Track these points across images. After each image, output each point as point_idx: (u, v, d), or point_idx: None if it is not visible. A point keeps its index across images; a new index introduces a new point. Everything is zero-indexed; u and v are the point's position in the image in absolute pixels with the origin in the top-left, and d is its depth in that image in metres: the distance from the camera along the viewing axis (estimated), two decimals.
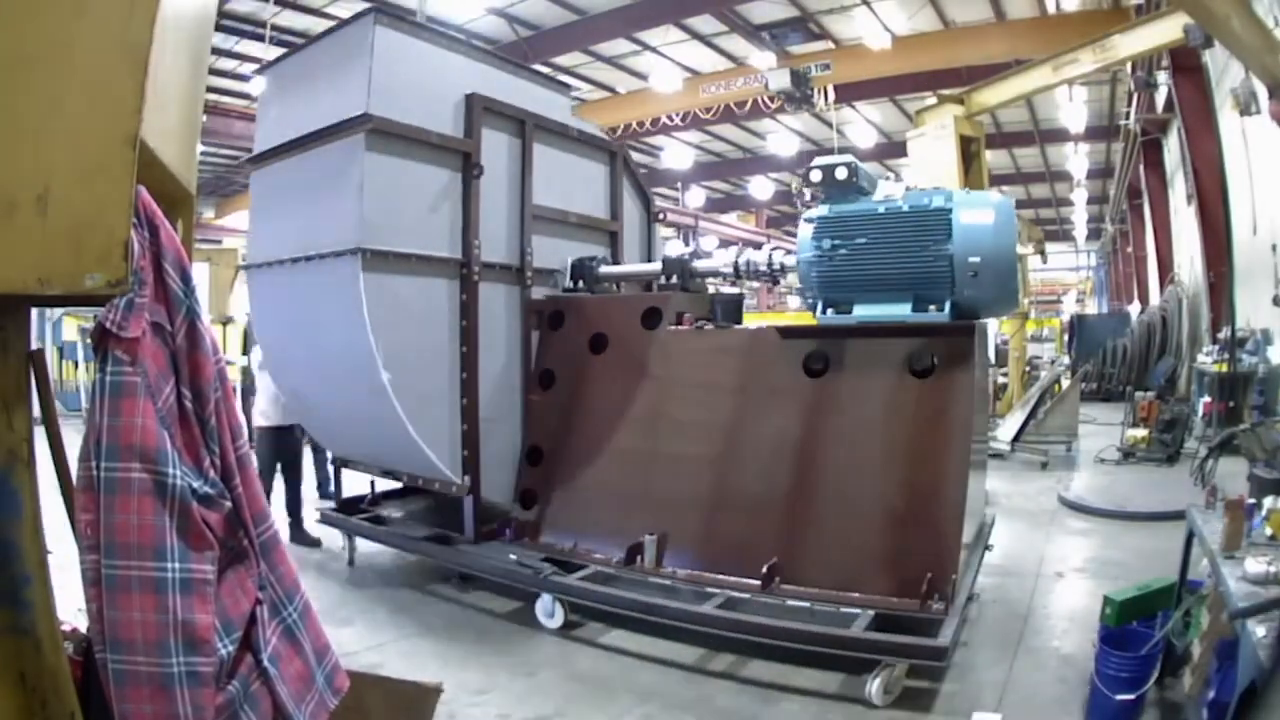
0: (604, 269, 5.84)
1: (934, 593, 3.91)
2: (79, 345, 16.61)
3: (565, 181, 5.88)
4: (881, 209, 4.40)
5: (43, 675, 1.49)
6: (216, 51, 13.76)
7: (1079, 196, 25.85)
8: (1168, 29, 9.69)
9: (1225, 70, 10.28)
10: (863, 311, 4.46)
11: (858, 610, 3.99)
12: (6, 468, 1.48)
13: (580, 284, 5.81)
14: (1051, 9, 13.48)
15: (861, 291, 4.45)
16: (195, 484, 1.55)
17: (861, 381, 4.55)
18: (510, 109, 5.39)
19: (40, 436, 1.61)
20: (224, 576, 1.60)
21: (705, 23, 14.54)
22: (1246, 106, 8.39)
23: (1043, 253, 15.48)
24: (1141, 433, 10.16)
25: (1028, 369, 13.90)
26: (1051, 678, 3.96)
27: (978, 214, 4.21)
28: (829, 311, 4.53)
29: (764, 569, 4.28)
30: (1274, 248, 9.48)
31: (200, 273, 12.08)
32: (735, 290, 5.19)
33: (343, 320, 4.72)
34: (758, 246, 5.80)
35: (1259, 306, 9.96)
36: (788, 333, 4.82)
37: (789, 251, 5.14)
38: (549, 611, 4.70)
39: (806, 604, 4.14)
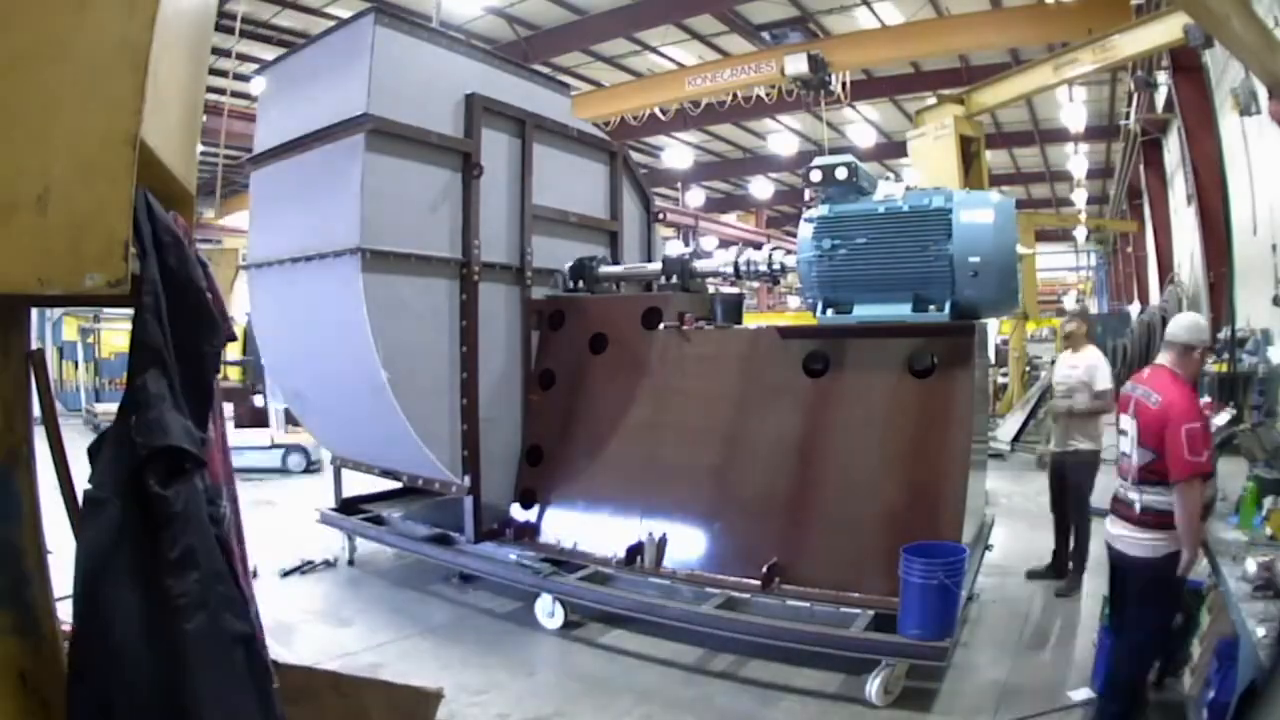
0: (604, 269, 5.84)
1: None
2: (79, 345, 16.63)
3: (565, 181, 5.88)
4: (881, 209, 4.40)
5: (43, 675, 1.49)
6: (216, 51, 13.75)
7: (1079, 196, 25.81)
8: (1168, 29, 9.69)
9: (1225, 70, 10.26)
10: (863, 311, 4.46)
11: (857, 610, 3.99)
12: (6, 468, 1.48)
13: (580, 284, 5.81)
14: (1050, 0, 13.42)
15: (861, 291, 4.45)
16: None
17: (861, 381, 4.55)
18: (510, 109, 5.39)
19: (40, 436, 1.61)
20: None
21: (705, 23, 14.52)
22: (1246, 106, 8.37)
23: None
24: None
25: (1028, 369, 13.88)
26: (1052, 677, 3.96)
27: (978, 214, 4.21)
28: (829, 311, 4.53)
29: (764, 569, 4.28)
30: (1274, 248, 9.47)
31: None
32: (736, 290, 5.19)
33: (343, 320, 4.72)
34: (758, 246, 5.80)
35: (1259, 306, 9.94)
36: (788, 333, 4.82)
37: (789, 251, 5.14)
38: (549, 611, 4.70)
39: (806, 604, 4.14)
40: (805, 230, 4.58)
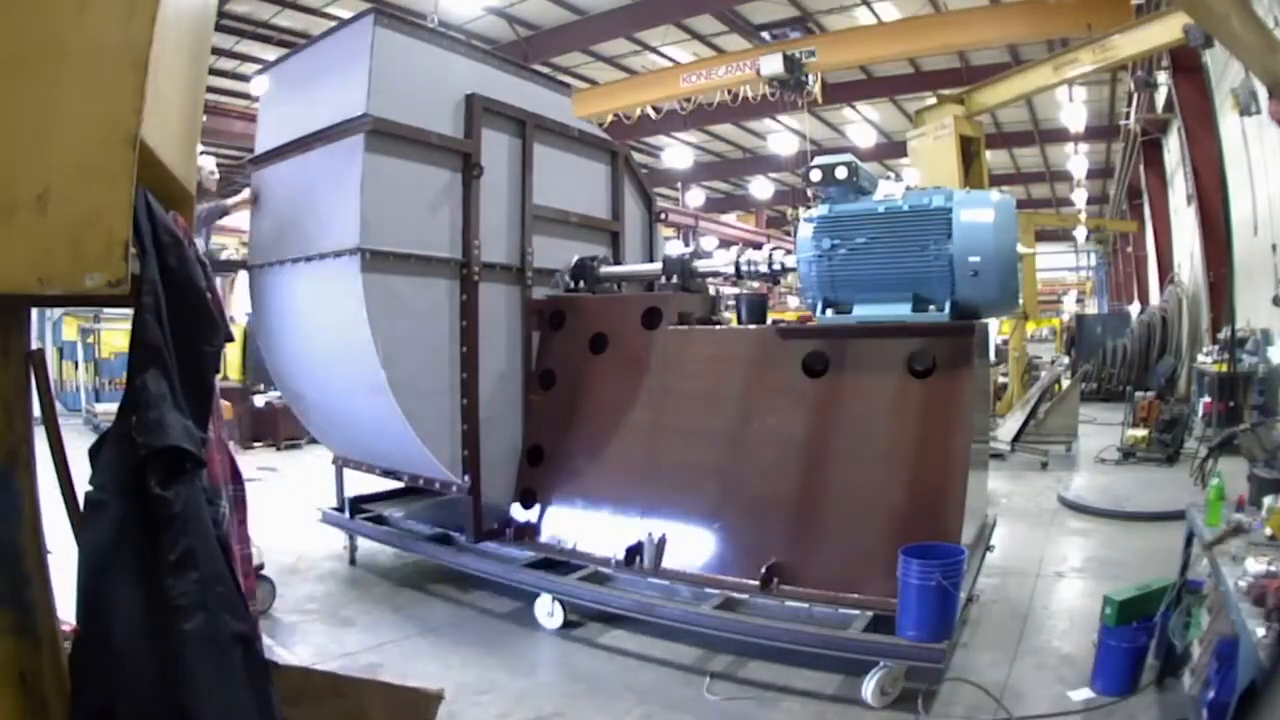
0: (605, 269, 5.84)
1: None
2: (79, 345, 16.62)
3: (566, 181, 5.88)
4: (881, 208, 4.39)
5: (43, 675, 1.50)
6: (216, 51, 13.75)
7: (1079, 196, 25.82)
8: (1168, 29, 9.69)
9: (1225, 70, 10.28)
10: (862, 311, 4.46)
11: (856, 611, 3.99)
12: (6, 468, 1.48)
13: (581, 284, 5.81)
14: None
15: (861, 291, 4.44)
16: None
17: (861, 381, 4.54)
18: (510, 109, 5.39)
19: (40, 436, 1.61)
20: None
21: (705, 23, 14.53)
22: (1246, 106, 8.39)
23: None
24: (1141, 433, 10.15)
25: (1028, 370, 13.89)
26: (1052, 678, 3.95)
27: (978, 213, 4.20)
28: (829, 311, 4.53)
29: (763, 569, 4.28)
30: (1274, 248, 9.48)
31: None
32: (760, 291, 5.18)
33: (343, 320, 4.73)
34: (758, 246, 5.80)
35: (1259, 306, 9.96)
36: (788, 333, 4.82)
37: (788, 251, 5.14)
38: (549, 611, 4.70)
39: (805, 605, 4.13)
40: (805, 230, 4.57)
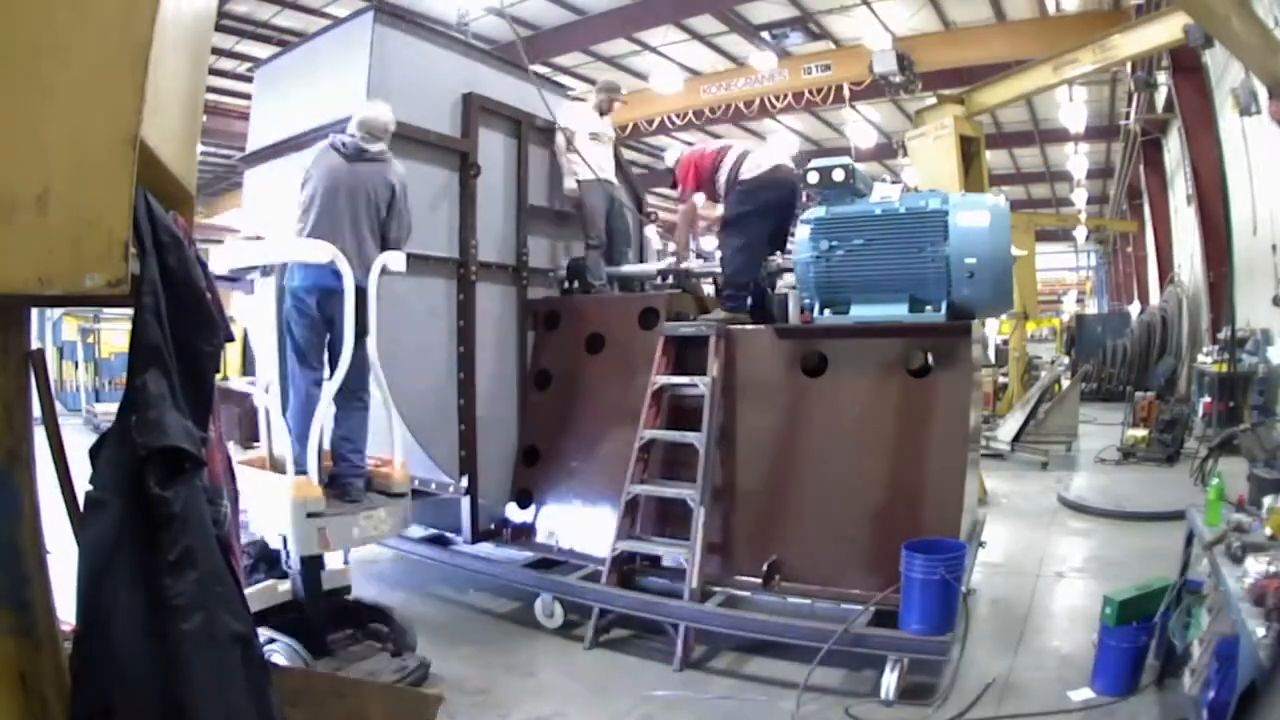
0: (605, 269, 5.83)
1: None
2: (79, 345, 16.62)
3: (559, 181, 5.87)
4: (878, 210, 4.42)
5: (43, 675, 1.50)
6: (216, 51, 13.75)
7: (1079, 196, 25.81)
8: (1168, 29, 9.68)
9: (1225, 70, 10.28)
10: (859, 312, 4.47)
11: (858, 607, 4.00)
12: (6, 468, 1.48)
13: (576, 284, 5.80)
14: (1052, 9, 13.47)
15: (858, 292, 4.46)
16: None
17: (859, 381, 4.56)
18: (506, 109, 5.39)
19: (40, 436, 1.61)
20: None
21: (705, 23, 14.52)
22: (1246, 106, 8.39)
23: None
24: (1141, 433, 10.16)
25: (1028, 370, 13.89)
26: (1052, 676, 3.96)
27: (973, 216, 4.24)
28: (826, 312, 4.55)
29: (764, 566, 4.28)
30: (1274, 248, 9.48)
31: None
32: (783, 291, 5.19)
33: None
34: None
35: (1259, 306, 9.96)
36: (785, 333, 4.82)
37: (786, 253, 5.14)
38: (548, 611, 4.70)
39: (807, 601, 4.15)
40: (802, 231, 4.59)
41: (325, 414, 3.78)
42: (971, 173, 11.60)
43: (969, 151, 11.62)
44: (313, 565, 3.83)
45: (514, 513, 5.39)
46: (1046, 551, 6.26)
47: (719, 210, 5.56)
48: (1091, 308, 31.75)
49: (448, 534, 5.33)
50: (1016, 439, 10.27)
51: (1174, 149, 16.58)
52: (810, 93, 14.85)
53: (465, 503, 5.15)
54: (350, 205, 3.95)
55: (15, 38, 1.33)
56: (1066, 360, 17.14)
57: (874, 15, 14.03)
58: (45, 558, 1.56)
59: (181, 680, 1.55)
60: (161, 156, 1.64)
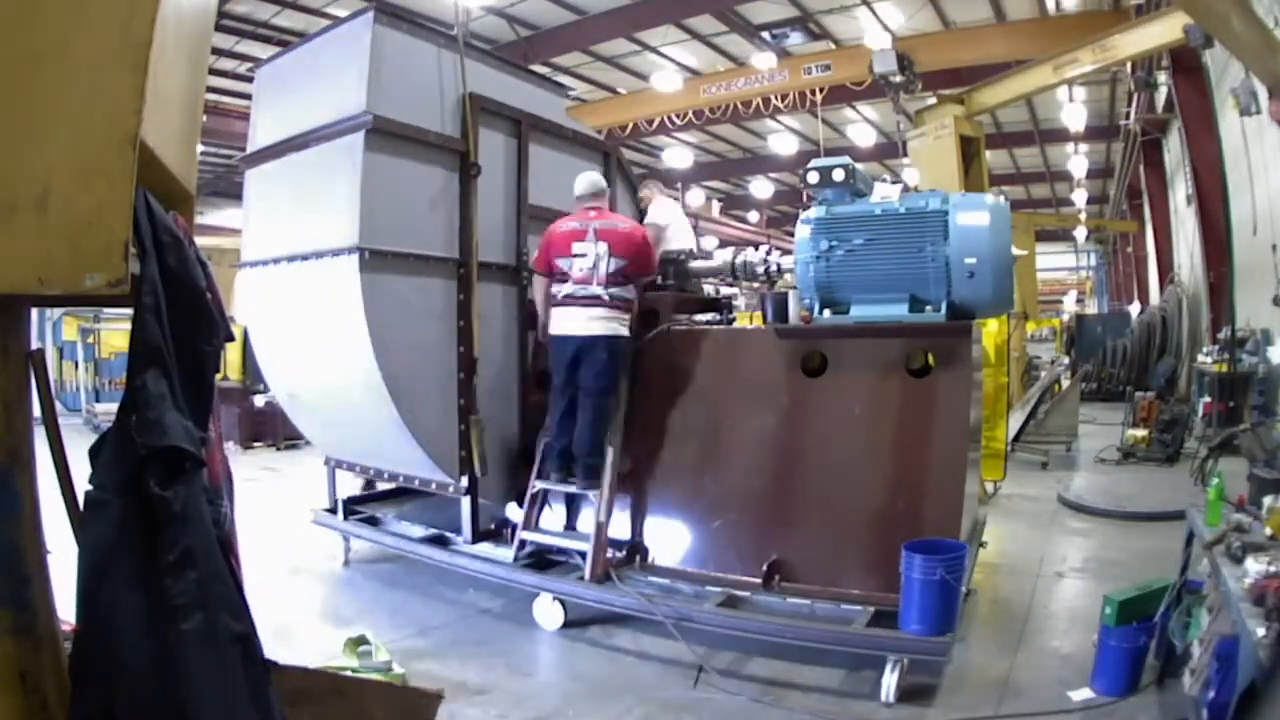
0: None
1: None
2: (79, 345, 16.61)
3: (560, 181, 5.87)
4: (878, 210, 4.42)
5: (43, 675, 1.50)
6: (216, 51, 13.75)
7: (1079, 196, 25.81)
8: (1168, 29, 9.69)
9: (1225, 70, 10.28)
10: (860, 312, 4.48)
11: (858, 607, 4.00)
12: (6, 468, 1.48)
13: None
14: (1051, 9, 13.48)
15: (858, 292, 4.46)
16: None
17: (859, 381, 4.56)
18: (507, 109, 5.39)
19: (40, 436, 1.61)
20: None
21: (705, 23, 14.53)
22: (1246, 106, 8.38)
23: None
24: (1141, 433, 10.15)
25: (1028, 370, 13.89)
26: (1052, 676, 3.96)
27: (973, 216, 4.24)
28: (826, 312, 4.55)
29: (764, 567, 4.28)
30: (1274, 248, 9.48)
31: None
32: (783, 290, 5.20)
33: (339, 320, 4.71)
34: (756, 246, 5.80)
35: (1259, 306, 9.96)
36: (785, 333, 4.82)
37: (785, 252, 5.15)
38: (548, 611, 4.70)
39: (807, 601, 4.15)
40: (802, 231, 4.59)
41: None
42: (971, 173, 11.63)
43: (969, 151, 11.66)
44: None
45: (514, 512, 5.39)
46: (1046, 551, 6.26)
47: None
48: (1091, 308, 31.74)
49: (447, 534, 5.33)
50: (1016, 439, 10.27)
51: (1174, 149, 16.59)
52: (810, 92, 14.85)
53: (465, 502, 5.15)
54: None
55: (15, 38, 1.33)
56: (1066, 360, 17.13)
57: (874, 15, 14.04)
58: (45, 558, 1.56)
59: (181, 680, 1.55)
60: (161, 156, 1.64)
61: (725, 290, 6.24)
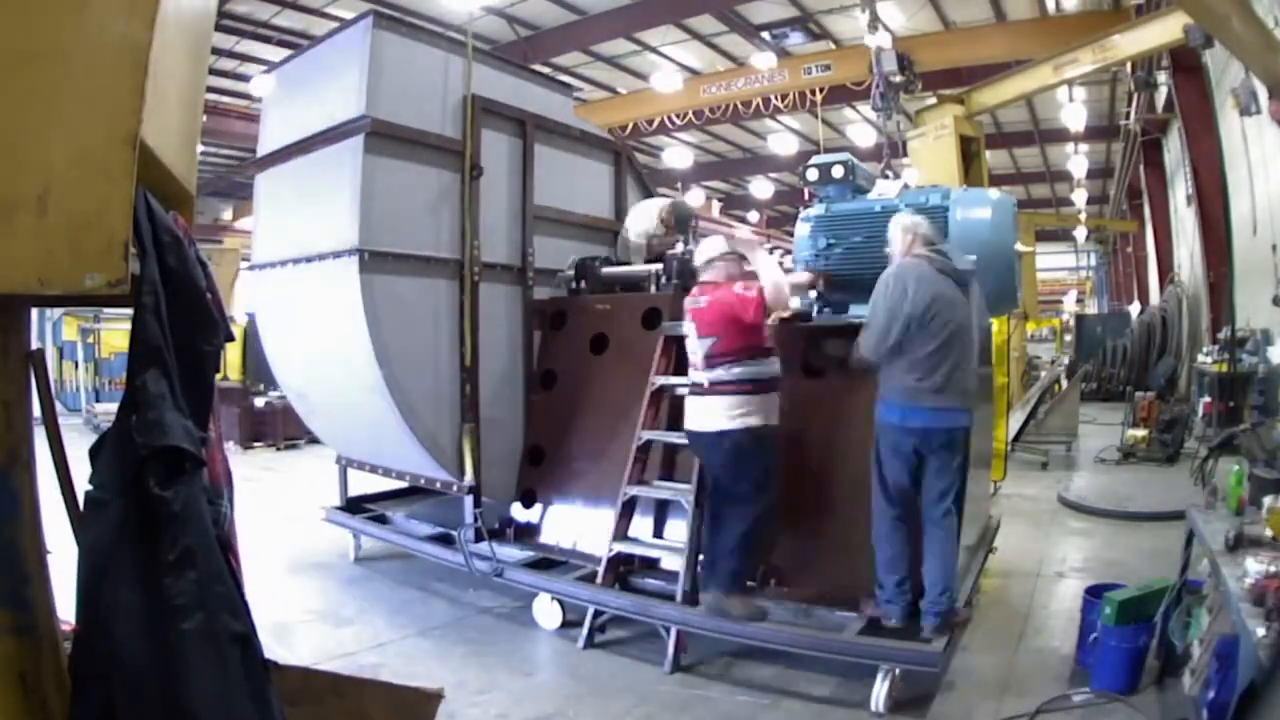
0: (606, 270, 5.83)
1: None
2: (79, 345, 16.61)
3: (568, 181, 5.88)
4: (878, 207, 4.40)
5: (43, 675, 1.49)
6: (216, 51, 13.75)
7: (1079, 196, 25.80)
8: (1168, 29, 9.69)
9: (1225, 70, 10.27)
10: (860, 310, 4.45)
11: (853, 614, 3.98)
12: (6, 468, 1.48)
13: (583, 284, 5.80)
14: (1051, 9, 13.47)
15: (858, 290, 4.44)
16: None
17: (859, 381, 4.53)
18: (510, 110, 5.39)
19: (40, 436, 1.61)
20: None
21: (705, 23, 14.52)
22: (1246, 106, 8.38)
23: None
24: (1141, 433, 10.15)
25: (1028, 370, 13.89)
26: (1052, 678, 3.95)
27: (975, 212, 4.20)
28: (826, 310, 4.53)
29: (760, 571, 4.27)
30: (1274, 248, 9.48)
31: None
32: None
33: (342, 321, 4.73)
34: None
35: (1259, 306, 9.95)
36: (785, 332, 4.81)
37: (785, 251, 5.14)
38: (548, 611, 4.70)
39: (802, 606, 4.13)
40: (802, 229, 4.57)
41: None
42: (972, 172, 11.63)
43: (969, 151, 11.66)
44: None
45: (519, 512, 5.40)
46: (1046, 551, 6.26)
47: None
48: (1092, 308, 31.73)
49: (452, 533, 5.33)
50: (1016, 439, 10.27)
51: (1174, 149, 16.58)
52: (810, 92, 14.86)
53: (468, 501, 5.15)
54: None
55: (15, 38, 1.33)
56: (1066, 360, 17.13)
57: (874, 15, 14.01)
58: (45, 558, 1.56)
59: (181, 680, 1.55)
60: (161, 156, 1.64)
61: None
